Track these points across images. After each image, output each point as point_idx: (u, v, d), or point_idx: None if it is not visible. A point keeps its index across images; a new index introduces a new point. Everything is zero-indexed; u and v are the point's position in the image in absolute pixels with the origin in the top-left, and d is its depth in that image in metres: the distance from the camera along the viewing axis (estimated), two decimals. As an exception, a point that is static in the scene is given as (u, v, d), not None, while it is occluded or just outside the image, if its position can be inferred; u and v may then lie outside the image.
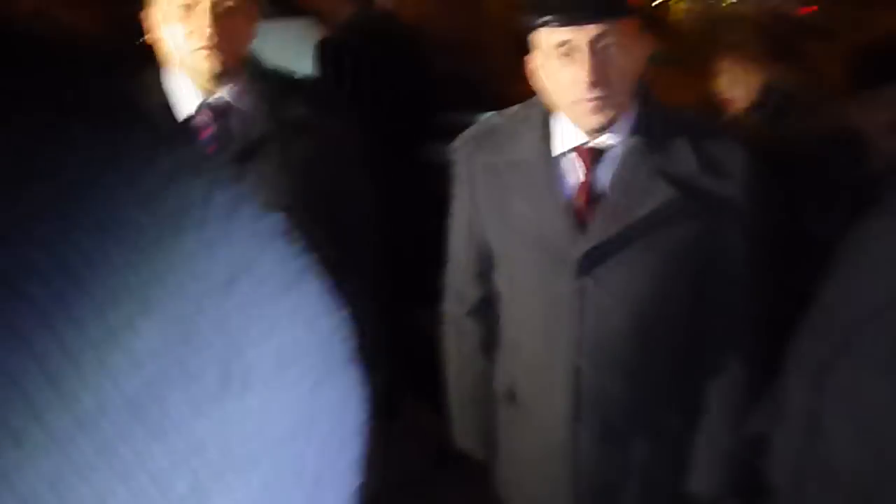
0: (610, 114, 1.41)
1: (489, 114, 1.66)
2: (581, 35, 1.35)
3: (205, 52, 1.51)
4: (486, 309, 1.64)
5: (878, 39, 1.96)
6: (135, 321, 0.21)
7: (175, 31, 1.53)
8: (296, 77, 1.79)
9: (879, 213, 1.28)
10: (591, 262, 1.44)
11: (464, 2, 3.73)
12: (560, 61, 1.38)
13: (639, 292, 1.45)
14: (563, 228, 1.46)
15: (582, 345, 1.46)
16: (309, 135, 1.60)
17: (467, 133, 1.62)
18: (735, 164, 1.45)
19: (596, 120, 1.41)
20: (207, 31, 1.50)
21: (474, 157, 1.58)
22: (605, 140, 1.46)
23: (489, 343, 1.66)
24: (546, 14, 1.37)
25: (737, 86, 2.12)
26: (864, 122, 1.80)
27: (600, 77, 1.36)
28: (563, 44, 1.36)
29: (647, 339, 1.47)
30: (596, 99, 1.38)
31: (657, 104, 1.50)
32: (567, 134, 1.48)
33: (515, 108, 1.59)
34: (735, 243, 1.47)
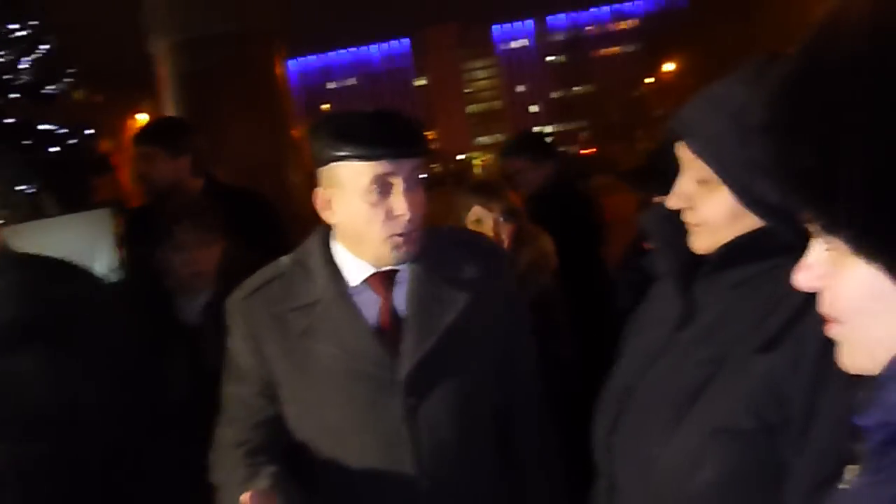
0: (417, 247, 1.44)
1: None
2: (399, 169, 1.37)
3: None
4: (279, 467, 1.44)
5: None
6: None
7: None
8: None
9: (654, 286, 1.37)
10: (415, 380, 1.44)
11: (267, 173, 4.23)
12: (373, 197, 1.38)
13: (461, 396, 1.48)
14: (378, 357, 1.45)
15: (422, 463, 1.45)
16: None
17: (243, 288, 1.56)
18: (498, 263, 1.56)
19: (405, 253, 1.44)
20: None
21: (256, 311, 1.52)
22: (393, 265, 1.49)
23: None
24: (367, 147, 1.35)
25: None
26: None
27: (413, 210, 1.39)
28: (379, 177, 1.37)
29: (475, 439, 1.52)
30: (409, 232, 1.41)
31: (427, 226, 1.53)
32: (356, 266, 1.49)
33: (289, 256, 1.56)
34: (516, 331, 1.59)
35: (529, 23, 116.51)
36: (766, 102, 0.71)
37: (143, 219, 2.40)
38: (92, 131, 13.29)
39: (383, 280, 1.50)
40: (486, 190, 2.54)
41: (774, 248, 1.09)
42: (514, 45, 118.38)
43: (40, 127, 12.29)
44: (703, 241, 1.19)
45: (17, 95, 12.16)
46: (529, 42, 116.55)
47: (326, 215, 1.49)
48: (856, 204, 0.63)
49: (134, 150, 2.94)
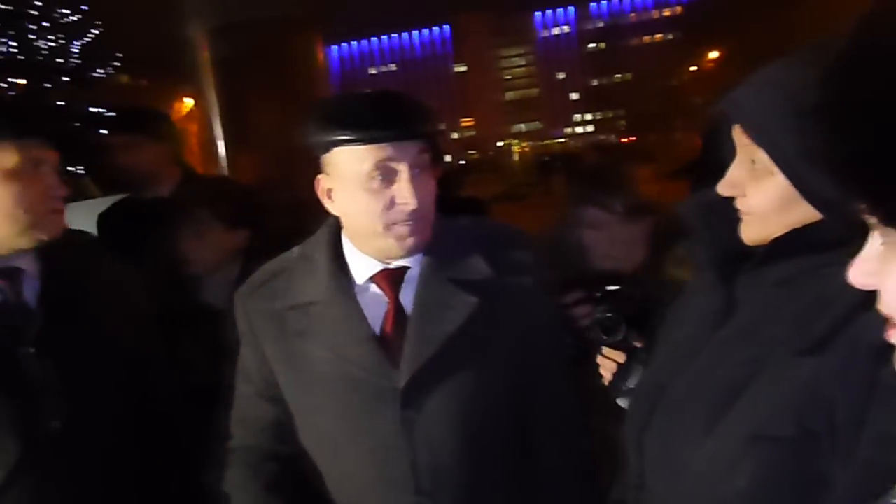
0: (424, 237, 1.37)
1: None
2: (402, 153, 1.29)
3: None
4: (287, 476, 1.45)
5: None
6: None
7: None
8: None
9: (694, 279, 1.31)
10: (412, 392, 1.35)
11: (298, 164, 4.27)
12: (375, 184, 1.31)
13: (465, 411, 1.37)
14: (373, 364, 1.36)
15: (419, 482, 1.36)
16: None
17: (249, 283, 1.51)
18: (520, 260, 1.44)
19: (411, 244, 1.35)
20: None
21: (254, 308, 1.46)
22: (401, 262, 1.41)
23: None
24: (366, 131, 1.27)
25: None
26: None
27: (419, 198, 1.31)
28: (381, 162, 1.29)
29: (480, 459, 1.40)
30: (414, 221, 1.33)
31: (440, 219, 1.44)
32: (363, 262, 1.41)
33: (295, 249, 1.50)
34: (540, 335, 1.46)
35: (571, 10, 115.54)
36: (820, 82, 0.65)
37: (163, 204, 2.45)
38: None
39: (390, 278, 1.42)
40: (605, 182, 1.95)
41: (824, 244, 1.01)
42: (554, 31, 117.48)
43: (90, 110, 12.74)
44: (753, 232, 1.13)
45: (67, 79, 12.80)
46: (571, 29, 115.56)
47: (328, 205, 1.41)
48: None
49: (111, 139, 2.92)
